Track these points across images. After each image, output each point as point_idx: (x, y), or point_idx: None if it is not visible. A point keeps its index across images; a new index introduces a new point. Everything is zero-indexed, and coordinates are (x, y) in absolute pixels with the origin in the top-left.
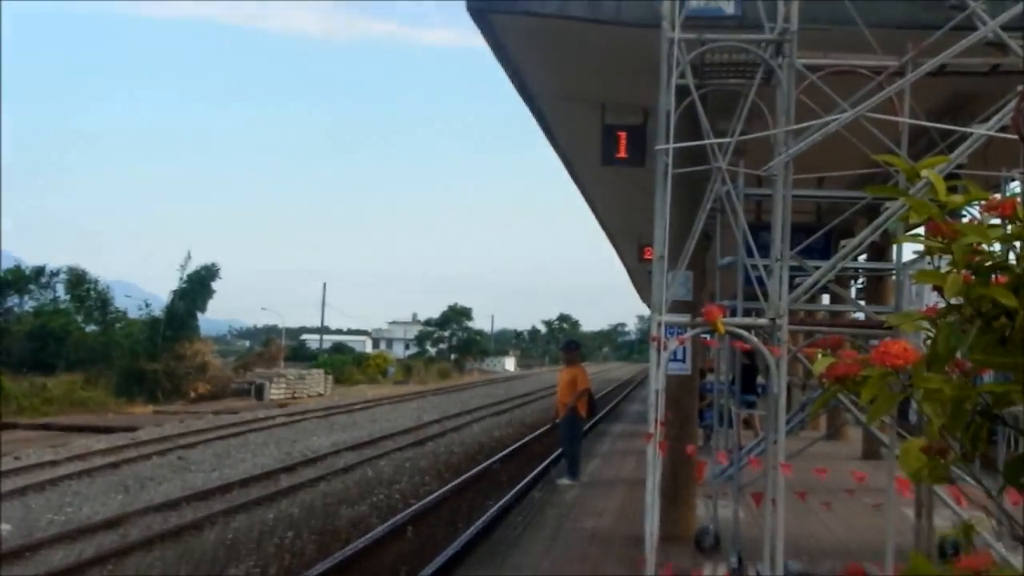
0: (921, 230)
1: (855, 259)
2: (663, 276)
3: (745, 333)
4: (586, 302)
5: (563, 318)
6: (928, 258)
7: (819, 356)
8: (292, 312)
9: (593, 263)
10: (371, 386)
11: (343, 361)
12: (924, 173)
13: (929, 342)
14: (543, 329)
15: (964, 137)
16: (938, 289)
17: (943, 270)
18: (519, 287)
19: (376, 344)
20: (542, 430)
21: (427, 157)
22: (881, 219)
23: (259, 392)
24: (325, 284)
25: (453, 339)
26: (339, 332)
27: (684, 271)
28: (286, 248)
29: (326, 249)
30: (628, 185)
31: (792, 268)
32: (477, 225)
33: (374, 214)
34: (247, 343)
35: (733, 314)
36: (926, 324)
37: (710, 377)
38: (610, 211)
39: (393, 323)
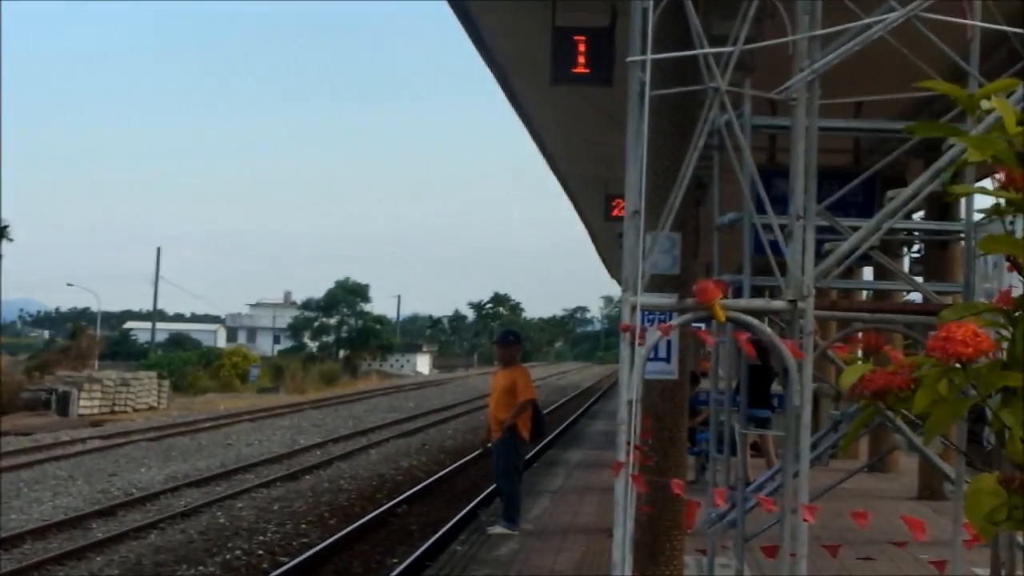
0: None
1: (908, 217)
2: (639, 239)
3: (754, 322)
4: (531, 278)
5: (498, 299)
6: (999, 218)
7: (853, 361)
8: (112, 291)
9: (542, 223)
10: (225, 396)
11: (184, 360)
12: (989, 102)
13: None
14: (470, 315)
15: None
16: (1013, 262)
17: (1020, 234)
18: (436, 257)
19: (232, 336)
20: (468, 458)
21: (314, 84)
22: (943, 160)
23: (63, 404)
24: (159, 250)
25: (343, 329)
26: (179, 319)
27: (668, 233)
28: (107, 203)
29: (164, 205)
30: (590, 113)
31: (820, 229)
32: (377, 174)
33: (236, 157)
34: (45, 333)
35: (738, 294)
36: (997, 318)
37: (705, 384)
38: (565, 150)
39: (257, 305)
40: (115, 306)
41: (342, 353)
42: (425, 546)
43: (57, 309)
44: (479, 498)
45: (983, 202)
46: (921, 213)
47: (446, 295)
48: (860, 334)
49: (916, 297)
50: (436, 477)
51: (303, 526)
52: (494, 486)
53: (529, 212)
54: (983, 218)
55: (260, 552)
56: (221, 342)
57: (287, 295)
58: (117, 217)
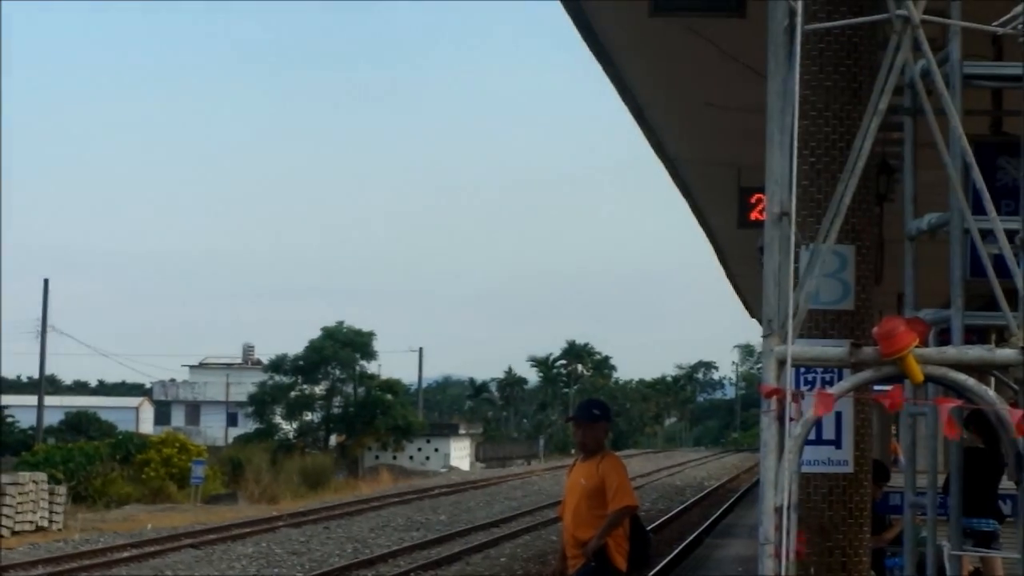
0: None
1: None
2: (789, 256)
3: (971, 382)
4: (627, 320)
5: (575, 353)
6: None
7: None
8: None
9: (643, 238)
10: (154, 508)
11: (90, 453)
12: None
13: None
14: (532, 377)
15: None
16: None
17: None
18: (476, 290)
19: (164, 414)
20: None
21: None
22: None
23: None
24: (47, 283)
25: (334, 401)
26: (81, 390)
27: (835, 246)
28: None
29: (54, 217)
30: (712, 60)
31: None
32: (381, 169)
33: (176, 148)
34: None
35: (945, 340)
36: None
37: (898, 480)
38: (675, 120)
39: (202, 367)
40: None
41: (334, 439)
42: None
43: None
44: None
45: None
46: None
47: (494, 347)
48: None
49: None
50: None
51: None
52: None
53: (622, 221)
54: None
55: None
56: (147, 425)
57: (247, 351)
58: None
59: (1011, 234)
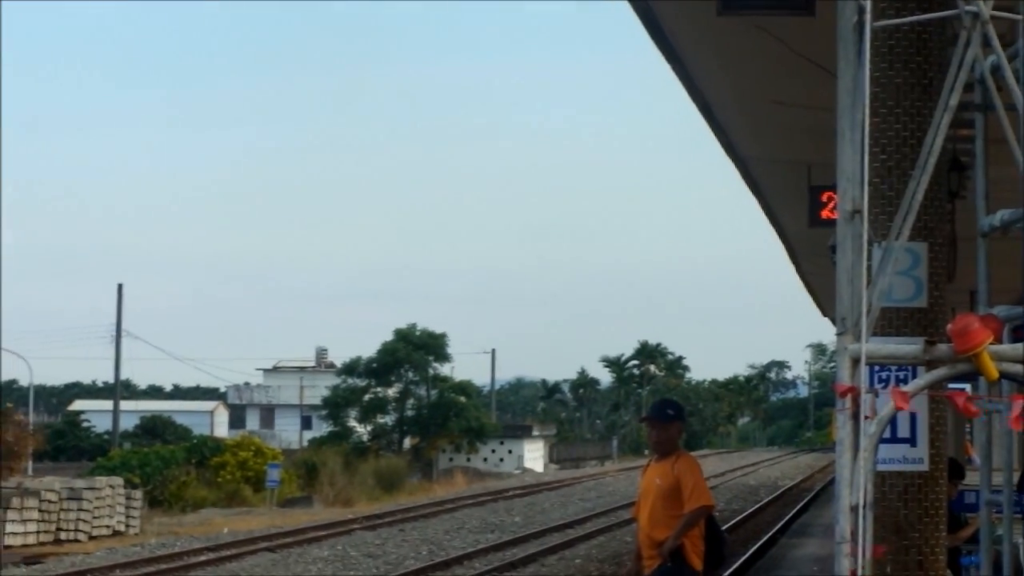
0: None
1: None
2: (861, 255)
3: None
4: (699, 320)
5: (648, 353)
6: None
7: None
8: (51, 354)
9: (714, 237)
10: (230, 511)
11: (165, 458)
12: None
13: None
14: (605, 378)
15: None
16: None
17: None
18: (548, 292)
19: (238, 418)
20: None
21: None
22: None
23: None
24: (121, 288)
25: (408, 404)
26: (156, 394)
27: (908, 243)
28: (34, 218)
29: (128, 220)
30: (781, 58)
31: None
32: (454, 171)
33: (235, 153)
34: None
35: (1018, 337)
36: None
37: (974, 479)
38: (744, 119)
39: (276, 371)
40: (56, 378)
41: (408, 442)
42: None
43: None
44: None
45: None
46: None
47: (566, 348)
48: None
49: None
50: None
51: None
52: None
53: (694, 221)
54: None
55: None
56: (221, 429)
57: (320, 354)
58: (49, 239)
59: None
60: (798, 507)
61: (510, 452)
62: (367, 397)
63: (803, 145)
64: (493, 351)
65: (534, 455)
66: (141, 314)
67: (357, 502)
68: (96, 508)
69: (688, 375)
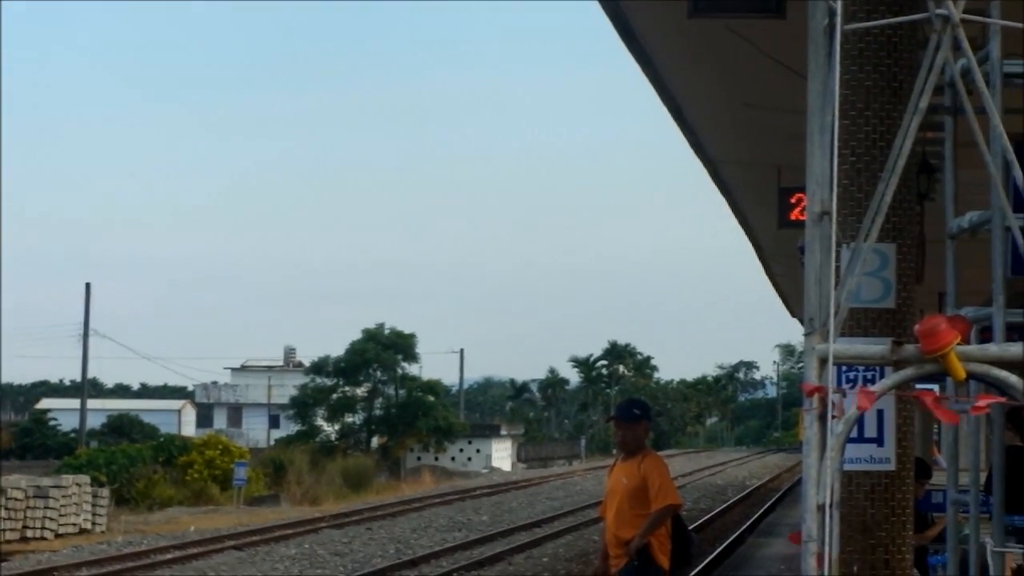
0: None
1: None
2: (830, 255)
3: (1012, 379)
4: (667, 320)
5: (617, 353)
6: None
7: None
8: (18, 351)
9: (682, 236)
10: (197, 510)
11: (132, 456)
12: None
13: None
14: (574, 378)
15: None
16: None
17: None
18: (515, 290)
19: (205, 417)
20: None
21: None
22: None
23: None
24: (89, 287)
25: (376, 403)
26: (123, 393)
27: (876, 245)
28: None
29: (95, 222)
30: (752, 60)
31: None
32: (419, 169)
33: (208, 156)
34: None
35: (987, 338)
36: None
37: (940, 478)
38: (715, 120)
39: (243, 370)
40: (23, 376)
41: (376, 441)
42: None
43: None
44: None
45: None
46: None
47: (535, 348)
48: None
49: None
50: None
51: None
52: None
53: (662, 219)
54: None
55: None
56: (189, 428)
57: (288, 353)
58: (17, 237)
59: None
60: (765, 507)
61: (478, 451)
62: (335, 396)
63: (773, 147)
64: (462, 351)
65: (502, 454)
66: (109, 313)
67: (324, 501)
68: (63, 506)
69: (657, 375)
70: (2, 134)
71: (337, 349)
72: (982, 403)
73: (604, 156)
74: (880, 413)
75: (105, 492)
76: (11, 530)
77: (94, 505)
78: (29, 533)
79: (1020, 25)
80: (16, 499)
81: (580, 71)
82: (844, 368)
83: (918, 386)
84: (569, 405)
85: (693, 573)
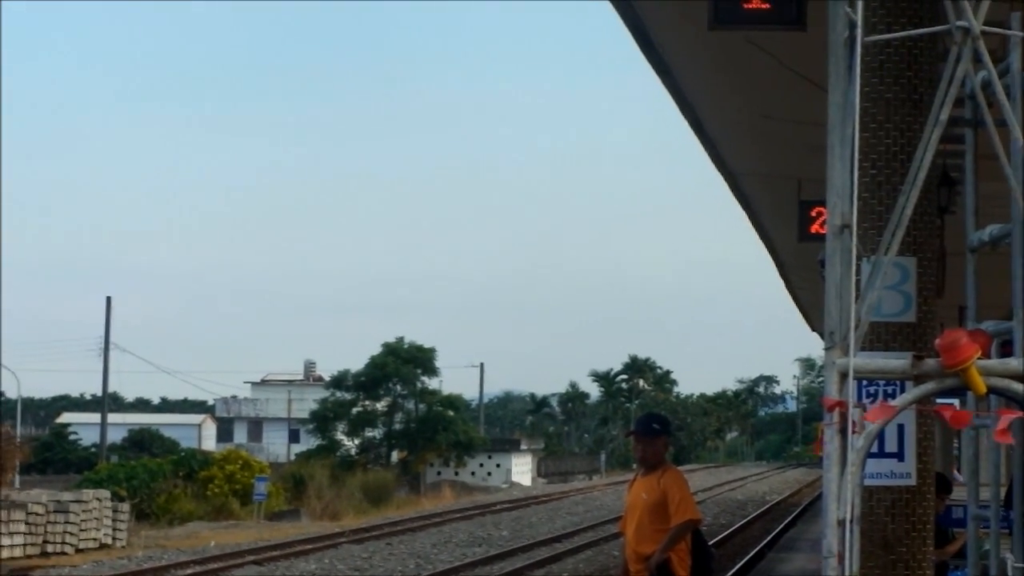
0: None
1: None
2: (850, 269)
3: None
4: (687, 334)
5: (637, 367)
6: None
7: None
8: (38, 366)
9: (703, 251)
10: (217, 525)
11: (153, 471)
12: None
13: None
14: (594, 392)
15: None
16: None
17: None
18: (536, 305)
19: (226, 431)
20: None
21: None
22: None
23: None
24: (110, 301)
25: (396, 418)
26: (143, 407)
27: (896, 258)
28: (25, 231)
29: (117, 234)
30: (772, 73)
31: None
32: (440, 184)
33: (226, 171)
34: None
35: (1006, 352)
36: None
37: (961, 493)
38: (734, 133)
39: (264, 384)
40: (43, 390)
41: (395, 455)
42: None
43: None
44: None
45: None
46: None
47: (555, 362)
48: None
49: None
50: None
51: None
52: None
53: (683, 232)
54: None
55: None
56: (209, 442)
57: (309, 367)
58: (38, 250)
59: None
60: (785, 522)
61: (498, 466)
62: (355, 411)
63: (793, 159)
64: (482, 365)
65: (522, 469)
66: (129, 327)
67: (344, 516)
68: (83, 521)
69: (676, 389)
70: (2, 141)
71: (357, 363)
72: (1004, 424)
73: (626, 169)
74: (900, 428)
75: (125, 507)
76: (32, 545)
77: (114, 520)
78: (50, 548)
79: None
80: (37, 514)
81: (603, 83)
82: (865, 382)
83: (938, 400)
84: (589, 419)
85: None
